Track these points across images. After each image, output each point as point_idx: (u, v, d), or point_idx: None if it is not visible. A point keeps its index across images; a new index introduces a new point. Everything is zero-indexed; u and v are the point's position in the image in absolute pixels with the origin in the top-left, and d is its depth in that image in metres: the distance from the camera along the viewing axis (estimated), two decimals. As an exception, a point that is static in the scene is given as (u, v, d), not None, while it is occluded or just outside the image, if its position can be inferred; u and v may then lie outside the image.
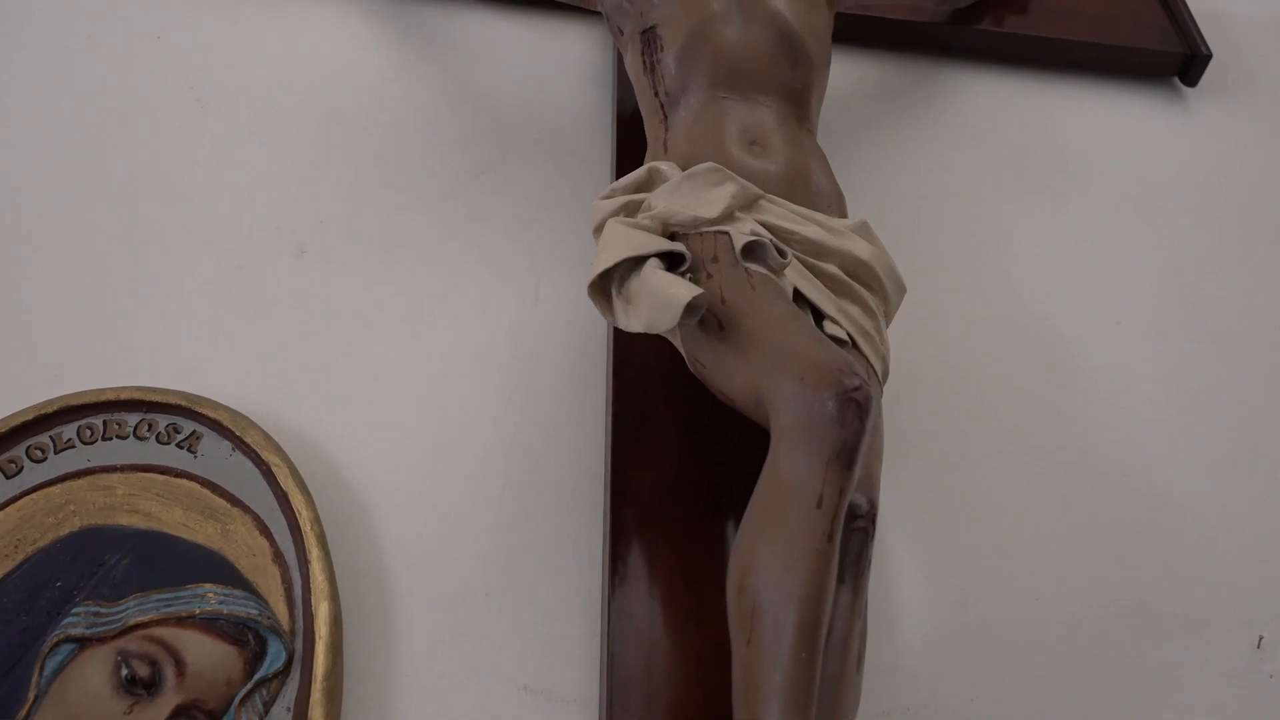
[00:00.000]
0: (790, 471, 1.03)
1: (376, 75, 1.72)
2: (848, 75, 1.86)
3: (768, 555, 1.01)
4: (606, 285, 1.23)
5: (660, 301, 1.14)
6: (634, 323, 1.19)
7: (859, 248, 1.28)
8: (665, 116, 1.42)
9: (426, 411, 1.38)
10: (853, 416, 1.01)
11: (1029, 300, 1.61)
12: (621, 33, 1.54)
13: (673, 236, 1.25)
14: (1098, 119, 1.88)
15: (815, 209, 1.32)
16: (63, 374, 1.32)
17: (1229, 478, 1.46)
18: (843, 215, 1.36)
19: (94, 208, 1.52)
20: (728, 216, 1.24)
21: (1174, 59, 1.92)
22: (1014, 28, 1.93)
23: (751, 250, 1.20)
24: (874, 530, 1.12)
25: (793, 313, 1.15)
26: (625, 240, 1.21)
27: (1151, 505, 1.42)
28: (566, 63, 1.78)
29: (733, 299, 1.16)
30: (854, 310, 1.26)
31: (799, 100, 1.42)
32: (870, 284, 1.29)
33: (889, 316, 1.34)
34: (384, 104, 1.68)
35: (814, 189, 1.36)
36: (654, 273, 1.17)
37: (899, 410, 1.42)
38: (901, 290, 1.34)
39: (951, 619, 1.31)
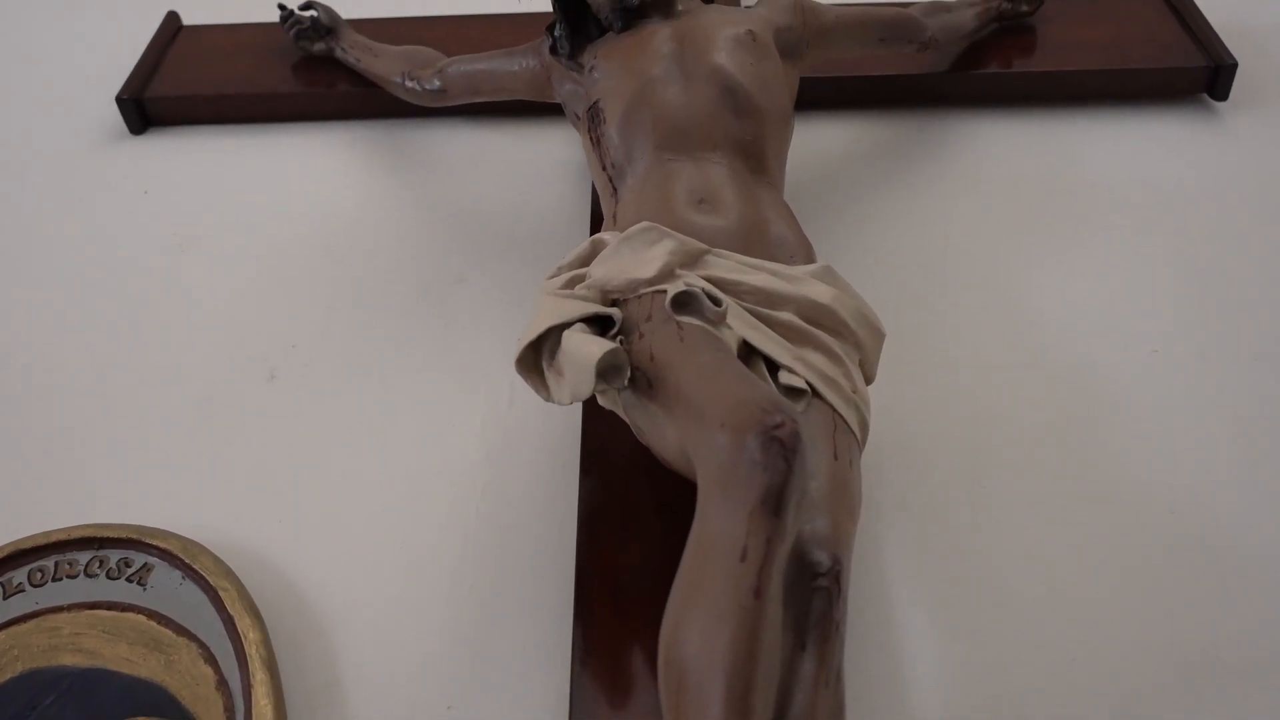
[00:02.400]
0: (714, 526, 0.92)
1: (352, 200, 1.73)
2: (857, 137, 1.79)
3: (691, 622, 0.90)
4: (539, 360, 1.16)
5: (577, 364, 1.06)
6: (563, 394, 1.11)
7: (817, 292, 1.19)
8: (615, 189, 1.37)
9: (389, 521, 1.31)
10: (776, 456, 0.90)
11: (1056, 340, 1.47)
12: (578, 117, 1.50)
13: (614, 303, 1.18)
14: (1125, 146, 1.75)
15: (773, 259, 1.24)
16: (31, 514, 1.31)
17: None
18: (809, 263, 1.27)
19: (65, 353, 1.54)
20: (667, 274, 1.16)
21: (1199, 74, 1.79)
22: (1023, 67, 1.84)
23: (683, 302, 1.11)
24: (839, 591, 0.99)
25: (722, 360, 1.05)
26: (552, 310, 1.15)
27: (1206, 544, 1.25)
28: (542, 166, 1.75)
29: (661, 355, 1.07)
30: (816, 358, 1.15)
31: (752, 153, 1.35)
32: (836, 330, 1.19)
33: (869, 364, 1.23)
34: (359, 225, 1.68)
35: (771, 240, 1.27)
36: (571, 335, 1.09)
37: (913, 467, 1.32)
38: (878, 335, 1.23)
39: (973, 694, 1.15)
